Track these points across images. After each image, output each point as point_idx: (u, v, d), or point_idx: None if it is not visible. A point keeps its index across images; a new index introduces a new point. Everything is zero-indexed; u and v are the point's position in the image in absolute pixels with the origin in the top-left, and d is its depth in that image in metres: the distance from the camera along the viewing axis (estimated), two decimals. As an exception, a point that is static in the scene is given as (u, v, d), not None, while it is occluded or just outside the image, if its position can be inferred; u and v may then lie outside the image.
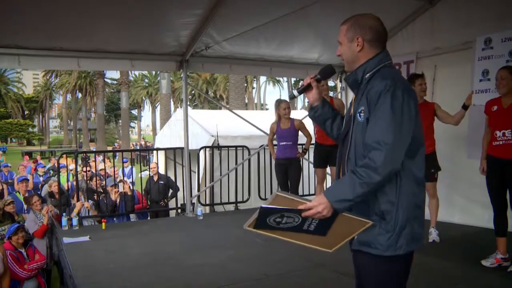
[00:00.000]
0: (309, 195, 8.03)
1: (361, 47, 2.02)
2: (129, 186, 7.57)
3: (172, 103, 35.97)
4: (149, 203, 8.05)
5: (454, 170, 5.90)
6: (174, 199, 8.00)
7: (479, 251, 4.47)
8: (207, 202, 7.93)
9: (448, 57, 6.17)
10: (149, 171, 8.37)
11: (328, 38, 6.89)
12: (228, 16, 5.83)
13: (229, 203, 7.91)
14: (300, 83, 2.17)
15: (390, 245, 1.95)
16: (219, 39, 6.53)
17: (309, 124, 6.14)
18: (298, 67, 7.88)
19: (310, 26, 6.54)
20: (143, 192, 8.01)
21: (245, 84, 29.34)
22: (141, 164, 12.78)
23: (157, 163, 8.44)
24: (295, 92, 2.20)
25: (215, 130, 8.21)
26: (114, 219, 7.10)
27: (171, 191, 8.15)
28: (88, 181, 8.51)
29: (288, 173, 5.96)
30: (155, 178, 8.12)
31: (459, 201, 6.02)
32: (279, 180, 6.17)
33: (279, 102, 6.29)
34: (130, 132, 47.05)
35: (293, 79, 41.66)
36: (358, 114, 1.95)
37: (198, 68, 7.49)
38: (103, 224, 6.30)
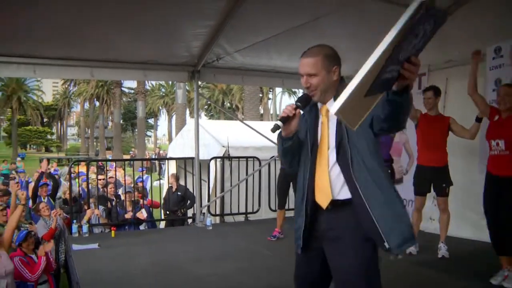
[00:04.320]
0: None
1: (338, 76, 2.25)
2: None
3: (188, 112, 36.29)
4: (166, 212, 8.18)
5: (466, 184, 5.81)
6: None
7: (489, 268, 4.39)
8: (217, 212, 7.95)
9: (460, 70, 6.09)
10: (159, 179, 8.43)
11: (339, 50, 6.86)
12: (239, 27, 5.88)
13: (239, 213, 7.92)
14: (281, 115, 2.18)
15: None
16: (230, 50, 6.60)
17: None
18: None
19: (320, 38, 6.43)
20: (162, 201, 8.12)
21: (261, 95, 29.43)
22: (151, 172, 12.85)
23: (175, 174, 8.50)
24: (279, 123, 2.14)
25: (227, 140, 8.25)
26: (126, 227, 7.16)
27: (189, 201, 8.20)
28: (102, 189, 8.62)
29: (292, 185, 5.98)
30: (173, 188, 8.23)
31: (471, 216, 5.90)
32: (280, 190, 6.15)
33: None
34: (146, 141, 47.48)
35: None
36: None
37: (210, 78, 7.57)
38: (113, 232, 6.37)
